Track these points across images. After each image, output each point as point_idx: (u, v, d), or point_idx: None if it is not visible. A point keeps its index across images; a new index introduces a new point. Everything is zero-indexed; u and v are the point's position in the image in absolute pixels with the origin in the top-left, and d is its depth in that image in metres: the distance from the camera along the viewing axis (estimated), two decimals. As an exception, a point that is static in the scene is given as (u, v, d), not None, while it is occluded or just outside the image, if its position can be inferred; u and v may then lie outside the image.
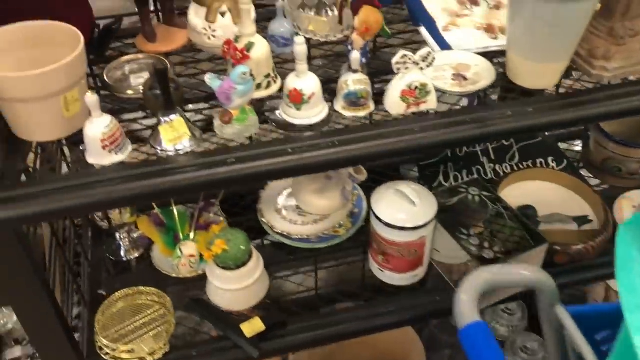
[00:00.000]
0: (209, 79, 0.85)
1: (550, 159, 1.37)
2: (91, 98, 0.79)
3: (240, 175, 0.80)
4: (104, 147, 0.81)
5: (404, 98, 0.87)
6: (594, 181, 1.34)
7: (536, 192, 1.29)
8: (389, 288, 1.14)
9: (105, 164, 0.82)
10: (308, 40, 1.05)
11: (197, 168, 0.80)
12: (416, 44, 1.10)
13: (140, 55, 1.02)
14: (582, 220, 1.24)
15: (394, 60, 0.85)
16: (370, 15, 0.89)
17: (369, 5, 0.90)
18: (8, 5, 0.87)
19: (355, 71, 0.88)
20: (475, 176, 1.33)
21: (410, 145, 0.84)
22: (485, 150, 1.39)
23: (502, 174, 1.34)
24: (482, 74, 0.95)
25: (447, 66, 0.97)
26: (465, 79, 0.94)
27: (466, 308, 0.63)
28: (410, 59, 0.85)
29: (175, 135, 0.83)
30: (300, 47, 0.84)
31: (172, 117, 0.84)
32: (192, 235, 1.21)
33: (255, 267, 1.08)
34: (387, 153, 0.84)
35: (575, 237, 1.19)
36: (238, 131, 0.86)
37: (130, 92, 0.94)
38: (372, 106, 0.91)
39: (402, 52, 0.85)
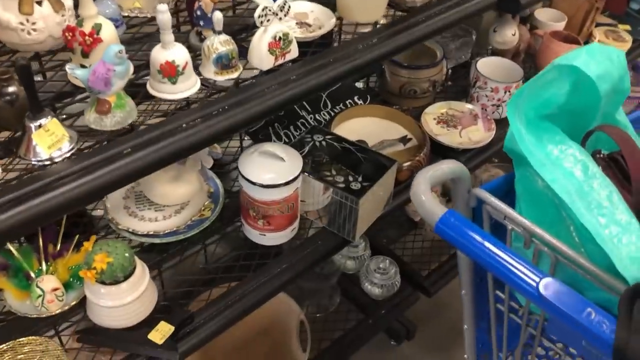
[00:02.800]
0: (71, 69, 0.75)
1: (356, 98, 1.50)
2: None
3: (152, 161, 0.73)
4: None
5: (271, 51, 0.89)
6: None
7: (359, 128, 1.41)
8: (273, 249, 1.16)
9: (-21, 192, 0.68)
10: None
11: (99, 166, 0.71)
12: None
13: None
14: (404, 140, 1.40)
15: (257, 14, 0.85)
16: (215, -24, 0.87)
17: (208, -34, 0.88)
18: None
19: (219, 32, 0.85)
20: (314, 124, 1.40)
21: (296, 94, 0.86)
22: (302, 105, 1.46)
23: (323, 121, 1.43)
24: (321, 18, 1.00)
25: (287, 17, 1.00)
26: (309, 25, 0.99)
27: (432, 204, 0.69)
28: (270, 10, 0.86)
29: (53, 140, 0.72)
30: (164, 15, 0.78)
31: (44, 120, 0.72)
32: (44, 267, 1.05)
33: (143, 271, 1.00)
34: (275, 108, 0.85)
35: (404, 155, 1.34)
36: (121, 119, 0.78)
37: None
38: (241, 66, 0.90)
39: (262, 5, 0.85)
